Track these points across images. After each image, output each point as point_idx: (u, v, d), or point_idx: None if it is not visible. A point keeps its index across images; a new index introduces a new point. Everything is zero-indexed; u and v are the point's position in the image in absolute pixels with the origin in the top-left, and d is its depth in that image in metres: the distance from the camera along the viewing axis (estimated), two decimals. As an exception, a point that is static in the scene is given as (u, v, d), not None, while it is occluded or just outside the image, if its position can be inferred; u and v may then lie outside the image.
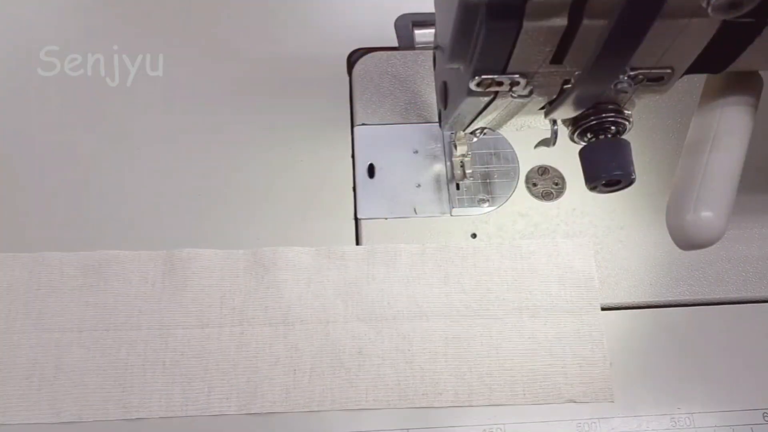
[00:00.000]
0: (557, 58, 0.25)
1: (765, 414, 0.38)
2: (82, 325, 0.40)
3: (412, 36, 0.50)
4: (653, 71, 0.26)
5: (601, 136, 0.29)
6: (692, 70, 0.27)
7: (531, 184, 0.45)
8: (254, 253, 0.42)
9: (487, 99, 0.28)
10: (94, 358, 0.39)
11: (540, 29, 0.23)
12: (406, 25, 0.50)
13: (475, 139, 0.40)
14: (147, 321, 0.40)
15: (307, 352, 0.40)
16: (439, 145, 0.46)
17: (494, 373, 0.39)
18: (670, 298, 0.42)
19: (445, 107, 0.34)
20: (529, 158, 0.46)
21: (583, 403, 0.39)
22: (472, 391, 0.39)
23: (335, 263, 0.42)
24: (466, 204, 0.45)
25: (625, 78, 0.25)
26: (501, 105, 0.29)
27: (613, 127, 0.28)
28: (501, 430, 0.38)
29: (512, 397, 0.39)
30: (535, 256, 0.42)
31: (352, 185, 0.45)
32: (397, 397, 0.39)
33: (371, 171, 0.46)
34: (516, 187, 0.45)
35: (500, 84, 0.26)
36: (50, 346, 0.40)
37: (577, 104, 0.27)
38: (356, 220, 0.44)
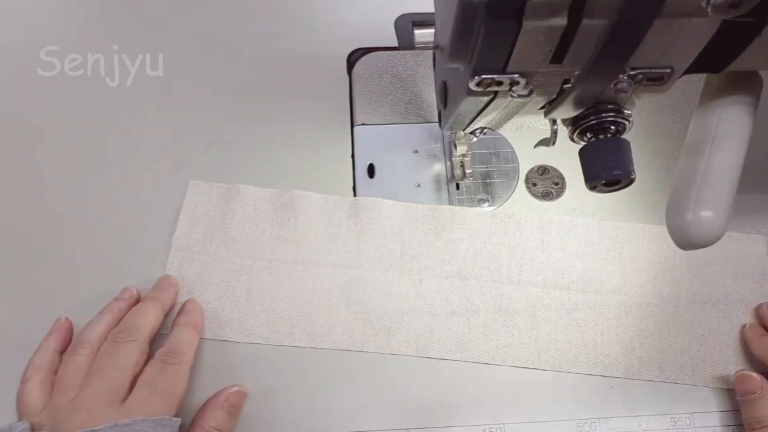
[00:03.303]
0: (557, 58, 0.25)
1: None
2: (272, 255, 0.42)
3: (412, 36, 0.50)
4: (653, 71, 0.26)
5: (601, 136, 0.29)
6: (692, 70, 0.27)
7: (531, 183, 0.45)
8: (433, 209, 0.44)
9: (486, 99, 0.28)
10: (283, 288, 0.41)
11: (540, 29, 0.23)
12: (406, 25, 0.50)
13: (475, 139, 0.40)
14: (333, 259, 0.42)
15: (481, 307, 0.41)
16: (439, 145, 0.46)
17: (664, 351, 0.40)
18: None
19: (445, 107, 0.34)
20: (529, 158, 0.46)
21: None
22: (642, 366, 0.40)
23: (510, 228, 0.43)
24: (466, 204, 0.45)
25: (625, 78, 0.25)
26: (501, 105, 0.29)
27: (612, 127, 0.28)
28: (501, 430, 0.38)
29: (681, 376, 0.39)
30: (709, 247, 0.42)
31: (352, 185, 0.45)
32: (568, 362, 0.40)
33: (371, 171, 0.46)
34: (516, 187, 0.45)
35: (500, 84, 0.26)
36: (242, 271, 0.41)
37: (577, 104, 0.27)
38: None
